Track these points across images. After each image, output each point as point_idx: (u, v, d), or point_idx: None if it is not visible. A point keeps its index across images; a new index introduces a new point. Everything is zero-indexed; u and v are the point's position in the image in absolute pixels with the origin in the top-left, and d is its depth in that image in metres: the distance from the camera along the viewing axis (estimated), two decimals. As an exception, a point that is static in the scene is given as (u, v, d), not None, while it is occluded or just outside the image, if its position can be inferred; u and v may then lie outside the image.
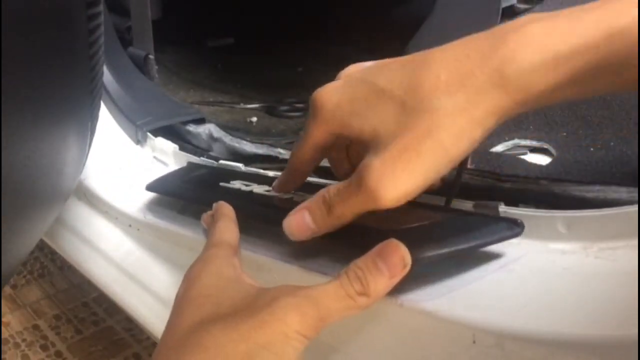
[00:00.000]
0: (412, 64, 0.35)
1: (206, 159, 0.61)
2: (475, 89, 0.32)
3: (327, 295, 0.31)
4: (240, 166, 0.57)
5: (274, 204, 0.45)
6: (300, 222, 0.37)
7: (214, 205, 0.44)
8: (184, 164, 0.63)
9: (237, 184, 0.50)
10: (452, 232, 0.35)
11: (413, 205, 0.41)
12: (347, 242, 0.37)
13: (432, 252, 0.33)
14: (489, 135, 0.34)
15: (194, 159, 0.62)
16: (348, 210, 0.35)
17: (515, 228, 0.36)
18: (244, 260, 0.42)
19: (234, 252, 0.38)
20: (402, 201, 0.33)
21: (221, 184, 0.51)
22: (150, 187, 0.56)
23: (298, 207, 0.37)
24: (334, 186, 0.36)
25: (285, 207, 0.44)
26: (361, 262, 0.32)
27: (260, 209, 0.45)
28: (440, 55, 0.34)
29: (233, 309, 0.31)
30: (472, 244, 0.34)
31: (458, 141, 0.32)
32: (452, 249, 0.34)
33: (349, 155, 0.44)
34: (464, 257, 0.36)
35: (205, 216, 0.45)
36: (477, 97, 0.32)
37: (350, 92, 0.36)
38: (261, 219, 0.44)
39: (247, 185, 0.49)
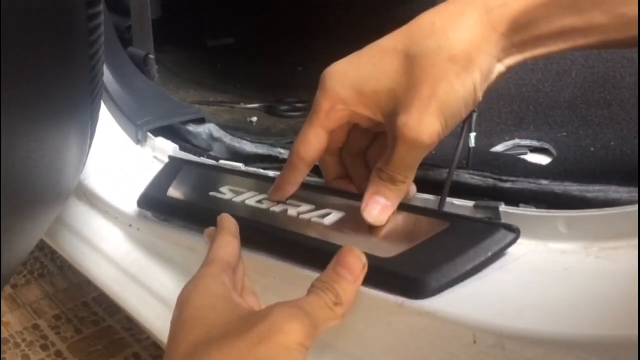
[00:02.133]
0: (410, 23, 0.38)
1: (206, 159, 0.61)
2: (467, 29, 0.35)
3: (313, 306, 0.32)
4: (240, 166, 0.57)
5: (268, 218, 0.44)
6: (377, 206, 0.39)
7: (218, 219, 0.43)
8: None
9: (227, 193, 0.49)
10: (453, 251, 0.36)
11: (409, 209, 0.41)
12: None
13: (437, 284, 0.34)
14: (491, 78, 0.36)
15: (194, 159, 0.62)
16: (404, 170, 0.38)
17: (511, 235, 0.36)
18: (247, 263, 0.42)
19: (227, 268, 0.37)
20: (438, 139, 0.37)
21: (211, 193, 0.50)
22: (141, 204, 0.55)
23: (367, 196, 0.39)
24: (380, 162, 0.38)
25: (277, 220, 0.44)
26: (324, 276, 0.33)
27: (254, 224, 0.44)
28: (434, 8, 0.37)
29: (225, 329, 0.31)
30: (475, 263, 0.35)
31: (463, 82, 0.35)
32: (455, 276, 0.34)
33: (342, 159, 0.45)
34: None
35: (208, 232, 0.44)
36: (468, 36, 0.35)
37: (356, 60, 0.39)
38: (256, 233, 0.43)
39: (238, 195, 0.48)
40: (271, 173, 0.54)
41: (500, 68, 0.36)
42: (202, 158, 0.61)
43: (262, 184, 0.49)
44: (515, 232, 0.36)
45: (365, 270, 0.34)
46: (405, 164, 0.37)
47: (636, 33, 0.32)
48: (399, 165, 0.37)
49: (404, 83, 0.36)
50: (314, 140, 0.41)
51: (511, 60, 0.36)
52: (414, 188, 0.43)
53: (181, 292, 0.35)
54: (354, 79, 0.38)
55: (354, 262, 0.33)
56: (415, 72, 0.36)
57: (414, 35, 0.36)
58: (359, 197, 0.43)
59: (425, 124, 0.35)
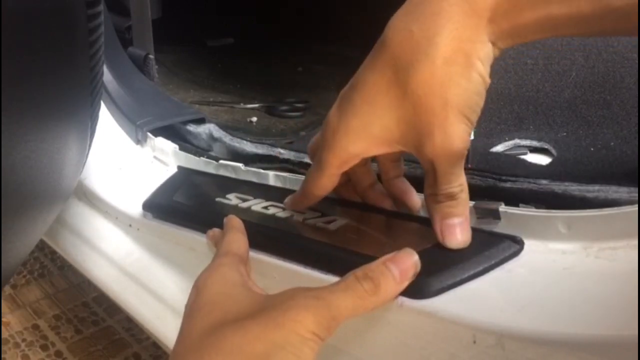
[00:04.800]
0: (386, 38, 0.35)
1: (206, 159, 0.61)
2: (452, 25, 0.33)
3: (336, 295, 0.31)
4: (240, 166, 0.57)
5: (273, 222, 0.45)
6: (454, 229, 0.36)
7: (225, 220, 0.44)
8: (184, 164, 0.63)
9: (233, 199, 0.50)
10: (456, 256, 0.36)
11: (415, 220, 0.41)
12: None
13: (438, 285, 0.34)
14: (492, 58, 0.35)
15: (194, 159, 0.62)
16: (455, 181, 0.36)
17: (516, 246, 0.36)
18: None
19: (240, 260, 0.38)
20: (470, 136, 0.35)
21: (217, 199, 0.50)
22: (146, 207, 0.55)
23: (438, 226, 0.37)
24: (427, 188, 0.37)
25: (283, 224, 0.44)
26: (372, 265, 0.33)
27: (259, 227, 0.45)
28: (404, 10, 0.35)
29: (241, 314, 0.31)
30: (477, 270, 0.35)
31: (469, 77, 0.34)
32: (457, 279, 0.34)
33: (368, 169, 0.44)
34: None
35: (211, 232, 0.45)
36: (455, 33, 0.33)
37: (350, 107, 0.37)
38: (260, 235, 0.44)
39: (244, 201, 0.49)
40: (271, 173, 0.54)
41: (495, 51, 0.35)
42: (202, 158, 0.61)
43: (268, 192, 0.50)
44: (519, 243, 0.37)
45: (412, 279, 0.33)
46: (453, 177, 0.36)
47: (617, 24, 0.31)
48: (448, 181, 0.36)
49: (410, 105, 0.34)
50: (328, 183, 0.40)
51: (503, 44, 0.35)
52: (417, 201, 0.43)
53: (197, 279, 0.36)
54: (358, 129, 0.37)
55: (410, 265, 0.33)
56: (416, 90, 0.34)
57: (397, 55, 0.34)
58: (365, 205, 0.44)
59: (450, 135, 0.34)
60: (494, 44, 0.34)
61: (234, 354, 0.29)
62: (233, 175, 0.57)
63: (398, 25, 0.35)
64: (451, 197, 0.36)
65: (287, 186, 0.53)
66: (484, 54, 0.34)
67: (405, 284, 0.33)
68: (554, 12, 0.32)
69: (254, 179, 0.55)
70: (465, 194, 0.37)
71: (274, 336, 0.29)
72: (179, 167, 0.61)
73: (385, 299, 0.32)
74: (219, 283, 0.35)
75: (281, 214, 0.45)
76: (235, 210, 0.48)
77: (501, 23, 0.33)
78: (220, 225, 0.44)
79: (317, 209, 0.45)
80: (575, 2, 0.31)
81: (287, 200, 0.46)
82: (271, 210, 0.46)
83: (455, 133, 0.34)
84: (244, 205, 0.48)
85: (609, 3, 0.30)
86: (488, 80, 0.35)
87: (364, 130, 0.36)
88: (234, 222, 0.43)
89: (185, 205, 0.53)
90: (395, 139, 0.36)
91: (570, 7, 0.31)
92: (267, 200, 0.48)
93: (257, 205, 0.48)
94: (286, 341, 0.29)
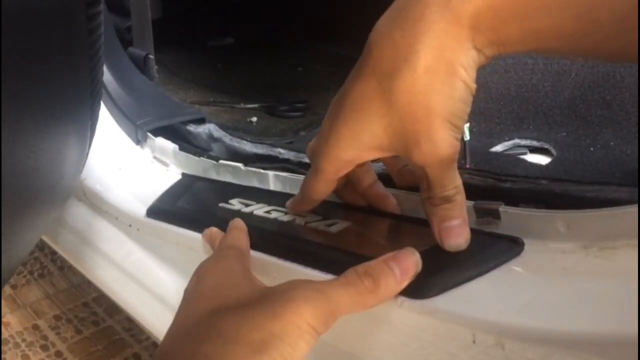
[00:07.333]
0: (369, 46, 0.35)
1: (206, 159, 0.61)
2: (433, 33, 0.32)
3: (336, 290, 0.31)
4: (240, 166, 0.57)
5: (275, 226, 0.45)
6: (451, 231, 0.36)
7: (230, 222, 0.44)
8: (184, 164, 0.63)
9: (236, 204, 0.50)
10: (456, 257, 0.36)
11: (415, 221, 0.41)
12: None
13: (437, 286, 0.34)
14: (479, 63, 0.34)
15: (194, 159, 0.62)
16: (449, 184, 0.36)
17: (516, 247, 0.36)
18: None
19: (243, 255, 0.39)
20: (458, 142, 0.35)
21: (220, 204, 0.51)
22: (150, 213, 0.56)
23: (436, 229, 0.37)
24: (423, 192, 0.37)
25: (284, 227, 0.45)
26: (373, 262, 0.33)
27: (261, 230, 0.45)
28: (388, 15, 0.34)
29: (242, 301, 0.32)
30: (477, 271, 0.35)
31: (451, 85, 0.33)
32: (457, 279, 0.34)
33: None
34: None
35: (208, 232, 0.46)
36: (437, 41, 0.33)
37: (342, 115, 0.37)
38: (262, 238, 0.44)
39: (246, 206, 0.50)
40: (271, 173, 0.54)
41: (481, 58, 0.34)
42: (202, 158, 0.61)
43: (271, 197, 0.50)
44: (519, 244, 0.37)
45: (413, 278, 0.33)
46: (446, 181, 0.36)
47: (604, 44, 0.30)
48: (442, 185, 0.36)
49: (395, 114, 0.34)
50: (325, 188, 0.41)
51: (489, 52, 0.34)
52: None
53: (199, 266, 0.37)
54: (348, 137, 0.37)
55: (410, 264, 0.33)
56: (400, 99, 0.34)
57: (380, 62, 0.34)
58: (366, 208, 0.44)
59: (436, 141, 0.34)
60: (479, 51, 0.34)
61: (231, 340, 0.29)
62: (233, 175, 0.58)
63: (381, 31, 0.35)
64: (447, 200, 0.36)
65: (287, 186, 0.53)
66: (467, 61, 0.33)
67: (406, 282, 0.33)
68: (537, 24, 0.31)
69: (254, 179, 0.56)
70: (461, 196, 0.37)
71: (272, 326, 0.29)
72: (184, 174, 0.62)
73: (385, 296, 0.32)
74: (221, 272, 0.35)
75: (283, 217, 0.46)
76: (238, 214, 0.48)
77: (485, 32, 0.33)
78: (224, 230, 0.45)
79: (318, 212, 0.45)
80: (558, 15, 0.30)
81: (288, 203, 0.46)
82: (273, 215, 0.47)
83: (442, 139, 0.34)
84: (247, 210, 0.49)
85: (594, 19, 0.29)
86: (473, 86, 0.34)
87: (353, 138, 0.37)
88: (238, 223, 0.44)
89: (189, 211, 0.53)
90: (385, 146, 0.36)
91: (553, 21, 0.30)
92: (269, 204, 0.48)
93: (259, 209, 0.48)
94: (284, 332, 0.29)
